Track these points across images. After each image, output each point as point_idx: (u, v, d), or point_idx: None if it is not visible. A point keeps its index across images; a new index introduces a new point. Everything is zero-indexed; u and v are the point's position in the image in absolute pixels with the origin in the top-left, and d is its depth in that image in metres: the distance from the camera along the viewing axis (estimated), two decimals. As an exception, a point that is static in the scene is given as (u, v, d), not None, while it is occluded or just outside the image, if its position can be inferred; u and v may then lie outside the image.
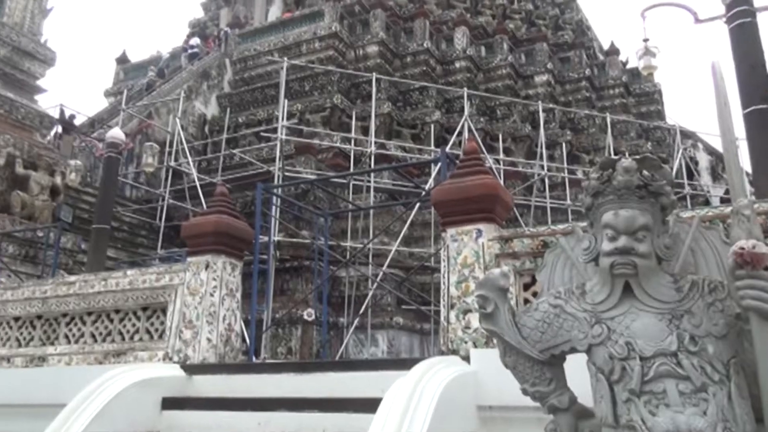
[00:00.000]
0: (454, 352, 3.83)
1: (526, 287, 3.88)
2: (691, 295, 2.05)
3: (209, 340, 4.80)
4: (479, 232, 3.96)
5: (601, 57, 23.15)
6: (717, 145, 17.50)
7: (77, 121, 16.80)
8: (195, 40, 21.12)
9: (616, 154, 16.62)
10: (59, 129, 15.22)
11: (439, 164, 8.23)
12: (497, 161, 15.04)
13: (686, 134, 18.49)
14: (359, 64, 18.35)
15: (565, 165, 15.71)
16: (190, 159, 14.40)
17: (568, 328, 2.16)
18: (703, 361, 1.94)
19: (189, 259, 5.14)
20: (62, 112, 15.99)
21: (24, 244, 11.09)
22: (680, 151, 16.25)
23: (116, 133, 9.54)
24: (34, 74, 12.35)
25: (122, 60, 23.39)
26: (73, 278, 5.84)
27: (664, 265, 2.13)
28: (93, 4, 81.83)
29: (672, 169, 15.44)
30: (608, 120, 16.67)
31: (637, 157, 2.21)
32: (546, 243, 3.67)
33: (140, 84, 20.08)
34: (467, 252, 3.97)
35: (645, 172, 2.13)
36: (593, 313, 2.11)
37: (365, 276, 10.76)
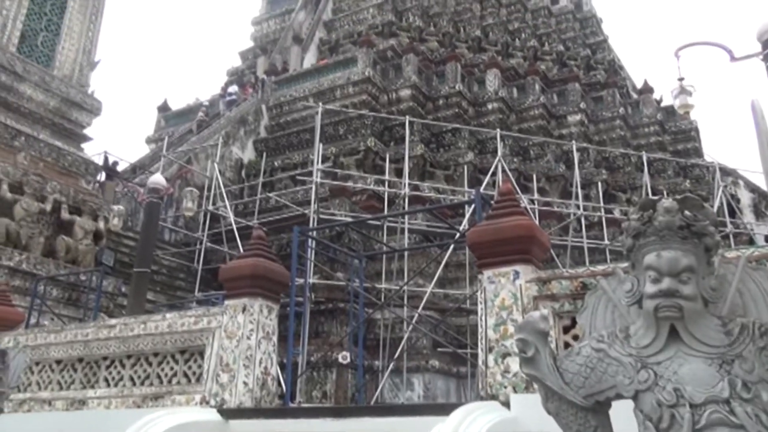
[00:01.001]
0: (494, 397, 3.74)
1: (566, 330, 3.80)
2: (741, 339, 1.98)
3: (246, 383, 4.80)
4: (516, 273, 3.92)
5: (634, 96, 23.01)
6: (759, 182, 17.06)
7: (120, 168, 17.39)
8: (233, 88, 21.83)
9: (653, 192, 16.35)
10: (103, 175, 15.76)
11: (474, 205, 8.22)
12: (532, 201, 14.93)
13: (726, 171, 18.09)
14: (392, 108, 18.63)
15: (602, 204, 15.50)
16: (227, 203, 14.69)
17: (613, 373, 2.10)
18: (758, 409, 1.86)
19: (226, 302, 5.20)
20: (106, 159, 16.57)
21: (67, 287, 11.37)
22: (721, 188, 15.88)
23: (158, 179, 9.82)
24: (81, 123, 12.88)
25: (163, 108, 24.26)
26: (114, 321, 5.94)
27: (710, 307, 2.07)
28: (137, 56, 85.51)
29: (713, 207, 15.08)
30: (644, 158, 16.45)
31: (678, 197, 2.18)
32: (585, 284, 3.60)
33: (184, 128, 20.75)
34: (505, 294, 3.92)
35: (687, 212, 2.09)
36: (638, 358, 2.05)
37: (400, 318, 10.68)
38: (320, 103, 16.01)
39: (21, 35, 12.08)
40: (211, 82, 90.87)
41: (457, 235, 9.84)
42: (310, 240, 10.24)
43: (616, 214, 15.66)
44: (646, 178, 16.22)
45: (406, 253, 12.17)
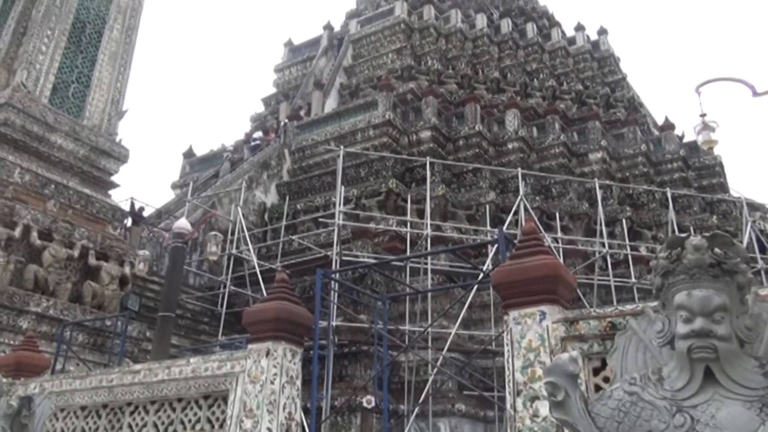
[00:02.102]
0: (523, 442, 3.63)
1: (596, 372, 3.70)
2: (781, 380, 1.91)
3: (269, 429, 4.73)
4: (543, 314, 3.85)
5: (656, 132, 22.91)
6: (789, 216, 16.69)
7: (146, 213, 17.70)
8: (257, 134, 22.28)
9: (680, 229, 16.08)
10: (129, 221, 16.04)
11: (497, 245, 8.16)
12: (556, 240, 14.78)
13: (754, 206, 17.76)
14: (413, 149, 18.79)
15: (627, 242, 15.27)
16: (250, 246, 14.80)
17: (647, 417, 2.03)
18: (802, 455, 1.77)
19: (250, 346, 5.17)
20: (132, 205, 16.89)
21: (93, 333, 11.46)
22: (749, 223, 15.56)
23: (183, 223, 9.96)
24: (109, 171, 13.19)
25: (189, 154, 24.78)
26: (138, 367, 5.94)
27: (746, 348, 2.00)
28: (163, 103, 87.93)
29: (742, 243, 14.76)
30: (669, 195, 16.26)
31: (707, 234, 2.14)
32: (614, 324, 3.52)
33: (208, 174, 21.14)
34: (531, 335, 3.85)
35: (717, 250, 2.05)
36: (673, 401, 1.99)
37: (425, 361, 10.51)
38: (342, 146, 16.22)
39: (53, 87, 12.54)
40: (235, 128, 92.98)
41: (481, 275, 9.75)
42: (333, 282, 10.23)
43: (643, 251, 15.41)
44: (672, 214, 15.98)
45: (429, 294, 12.07)
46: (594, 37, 28.66)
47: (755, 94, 6.27)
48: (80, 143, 12.54)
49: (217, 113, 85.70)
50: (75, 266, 11.72)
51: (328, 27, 28.03)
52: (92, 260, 11.90)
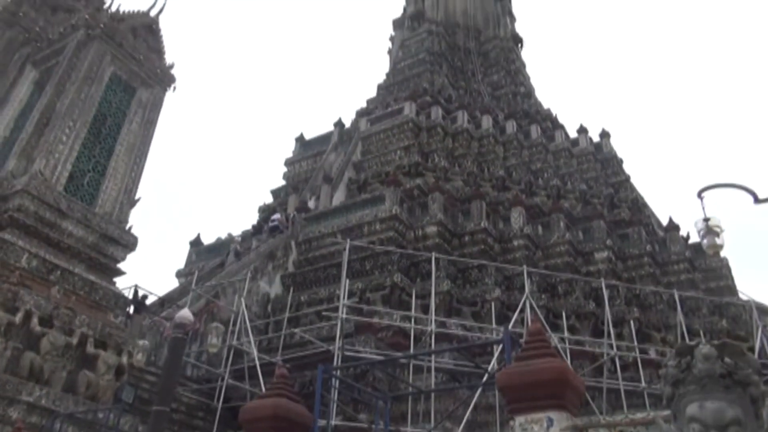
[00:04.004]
0: None
1: (608, 485, 3.51)
2: (803, 503, 1.81)
3: None
4: (550, 420, 3.71)
5: (660, 233, 23.02)
6: (801, 321, 16.39)
7: (148, 301, 17.57)
8: (276, 215, 22.61)
9: (689, 332, 15.79)
10: (131, 308, 15.90)
11: (503, 344, 8.00)
12: (562, 340, 14.50)
13: (764, 310, 17.51)
14: (418, 244, 18.88)
15: (636, 344, 14.95)
16: (251, 338, 14.57)
17: None
18: None
19: (246, 446, 4.98)
20: (136, 293, 16.79)
21: (84, 425, 11.05)
22: (760, 329, 15.27)
23: (185, 314, 9.84)
24: (116, 258, 13.26)
25: (196, 243, 24.98)
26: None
27: (764, 466, 1.91)
28: (173, 192, 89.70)
29: (754, 350, 14.43)
30: (676, 296, 16.09)
31: (717, 342, 2.10)
32: (625, 434, 3.38)
33: (214, 263, 21.18)
34: (539, 443, 3.69)
35: (727, 359, 2.00)
36: None
37: (427, 466, 10.03)
38: (348, 239, 16.33)
39: (69, 175, 12.87)
40: (243, 218, 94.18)
41: (486, 375, 9.49)
42: (333, 379, 9.96)
43: (652, 354, 15.06)
44: (680, 317, 15.74)
45: (432, 394, 11.70)
46: (596, 139, 29.49)
47: (757, 201, 6.36)
48: (90, 230, 12.69)
49: (226, 203, 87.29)
50: (72, 354, 11.50)
51: (339, 124, 29.05)
52: (90, 348, 11.69)
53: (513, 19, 39.07)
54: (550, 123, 29.53)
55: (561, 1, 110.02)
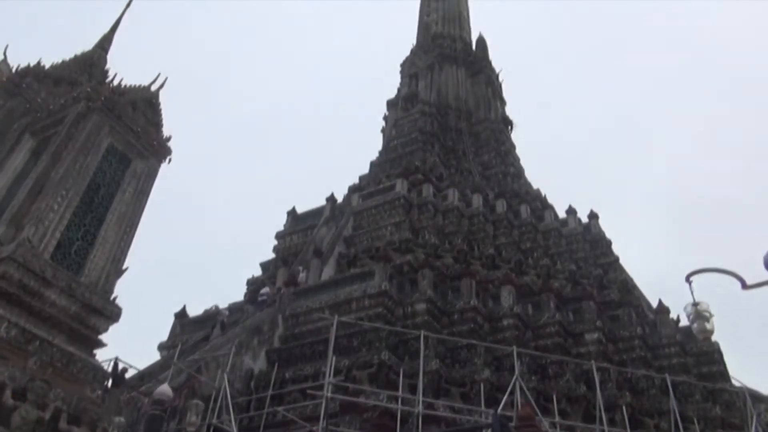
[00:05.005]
0: None
1: None
2: None
3: None
4: None
5: (650, 315, 22.94)
6: (795, 410, 16.08)
7: (128, 374, 17.05)
8: (265, 289, 22.39)
9: (682, 418, 15.44)
10: (110, 382, 15.40)
11: (492, 428, 7.76)
12: (553, 424, 14.12)
13: (758, 397, 17.22)
14: (407, 321, 18.66)
15: (628, 430, 14.57)
16: (232, 416, 14.07)
17: None
18: None
19: None
20: (116, 366, 16.32)
21: (49, 507, 10.44)
22: (755, 417, 14.97)
23: (164, 390, 9.59)
24: (98, 329, 12.93)
25: (181, 315, 24.54)
26: None
27: None
28: (159, 263, 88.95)
29: (749, 438, 14.08)
30: (668, 381, 15.84)
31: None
32: None
33: (198, 336, 20.74)
34: None
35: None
36: None
37: None
38: (336, 315, 16.13)
39: (57, 243, 12.74)
40: (230, 290, 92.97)
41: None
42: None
43: (646, 442, 14.65)
44: (673, 403, 15.44)
45: (419, 480, 11.22)
46: (585, 220, 29.89)
47: (744, 287, 6.39)
48: (74, 300, 12.46)
49: (214, 274, 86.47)
50: (44, 430, 11.01)
51: (331, 199, 29.35)
52: (63, 424, 11.18)
53: (503, 102, 40.45)
54: (539, 203, 29.99)
55: (551, 88, 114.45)
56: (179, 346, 17.93)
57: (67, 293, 12.35)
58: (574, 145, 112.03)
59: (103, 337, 13.35)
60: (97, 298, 12.89)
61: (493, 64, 42.09)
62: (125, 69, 15.62)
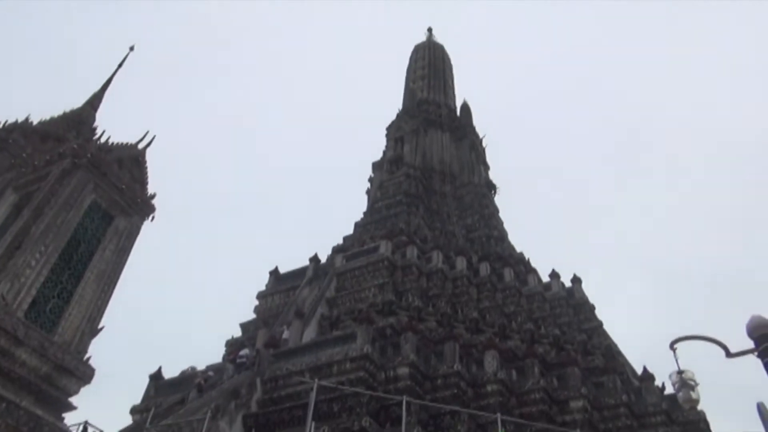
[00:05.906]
0: None
1: None
2: None
3: None
4: None
5: (635, 382, 22.67)
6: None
7: (98, 440, 16.31)
8: (244, 351, 21.85)
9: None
10: (78, 448, 14.72)
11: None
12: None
13: (746, 470, 16.84)
14: (389, 386, 18.24)
15: (616, 504, 14.11)
16: (205, 486, 13.44)
17: None
18: None
19: None
20: (85, 430, 15.65)
21: None
22: (744, 490, 14.59)
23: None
24: (68, 391, 12.48)
25: (157, 376, 23.79)
26: None
27: None
28: (136, 322, 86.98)
29: None
30: (656, 452, 15.50)
31: None
32: None
33: (172, 399, 20.04)
34: None
35: None
36: None
37: None
38: (316, 379, 15.73)
39: (32, 300, 12.45)
40: (208, 351, 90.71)
41: None
42: None
43: None
44: (661, 474, 15.05)
45: None
46: (568, 284, 29.94)
47: (728, 355, 6.37)
48: (45, 360, 12.05)
49: (192, 335, 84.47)
50: (6, 500, 10.43)
51: (315, 259, 29.20)
52: (25, 493, 10.62)
53: (487, 167, 41.21)
54: (523, 266, 30.07)
55: (532, 153, 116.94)
56: (152, 410, 17.29)
57: (39, 353, 11.96)
58: (558, 209, 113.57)
59: (74, 399, 12.85)
60: (70, 358, 12.49)
61: (477, 129, 43.15)
62: (115, 127, 15.73)
